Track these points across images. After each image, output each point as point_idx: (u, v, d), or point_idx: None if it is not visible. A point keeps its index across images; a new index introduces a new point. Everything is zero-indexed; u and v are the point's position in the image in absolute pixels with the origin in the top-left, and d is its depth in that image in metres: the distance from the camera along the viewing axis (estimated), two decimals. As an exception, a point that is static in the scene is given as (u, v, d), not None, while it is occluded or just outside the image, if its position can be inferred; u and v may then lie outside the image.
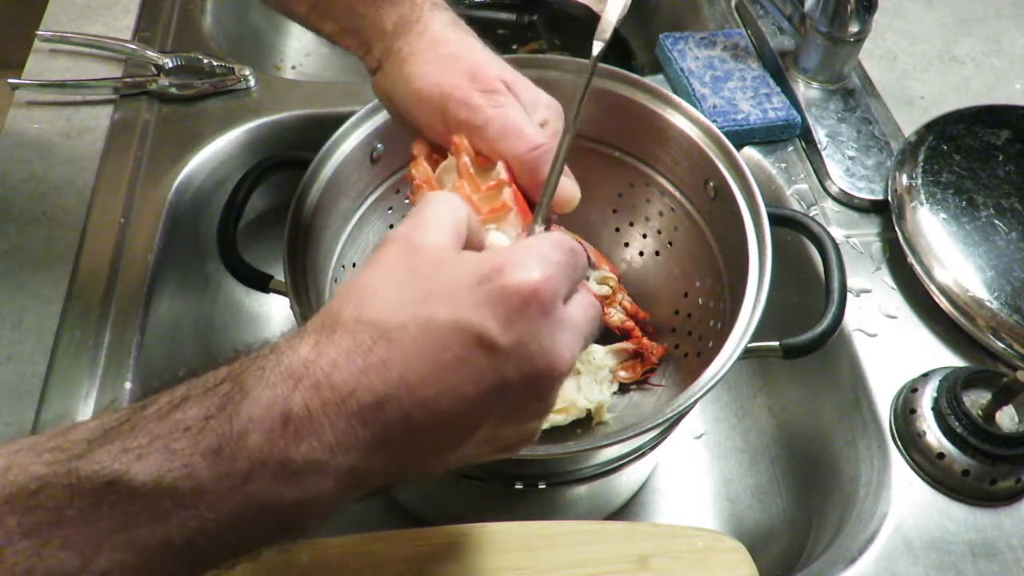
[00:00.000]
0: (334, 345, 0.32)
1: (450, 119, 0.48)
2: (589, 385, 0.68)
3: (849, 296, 0.64)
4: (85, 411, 0.62)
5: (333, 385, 0.31)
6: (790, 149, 0.84)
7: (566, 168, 0.48)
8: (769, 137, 0.84)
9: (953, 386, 0.62)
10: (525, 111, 0.49)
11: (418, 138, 0.52)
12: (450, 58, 0.49)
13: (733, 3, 0.99)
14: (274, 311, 0.88)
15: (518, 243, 0.38)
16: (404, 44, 0.50)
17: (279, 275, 0.58)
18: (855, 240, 0.77)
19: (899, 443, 0.64)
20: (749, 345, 0.55)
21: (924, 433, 0.62)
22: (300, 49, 1.12)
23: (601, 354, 0.71)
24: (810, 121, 0.83)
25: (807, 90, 0.86)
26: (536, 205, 0.46)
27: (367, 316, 0.33)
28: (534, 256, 0.35)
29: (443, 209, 0.37)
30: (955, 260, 0.70)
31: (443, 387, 0.32)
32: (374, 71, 0.53)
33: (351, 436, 0.32)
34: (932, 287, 0.70)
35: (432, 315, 0.32)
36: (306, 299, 0.56)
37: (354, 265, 0.69)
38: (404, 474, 0.35)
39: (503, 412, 0.35)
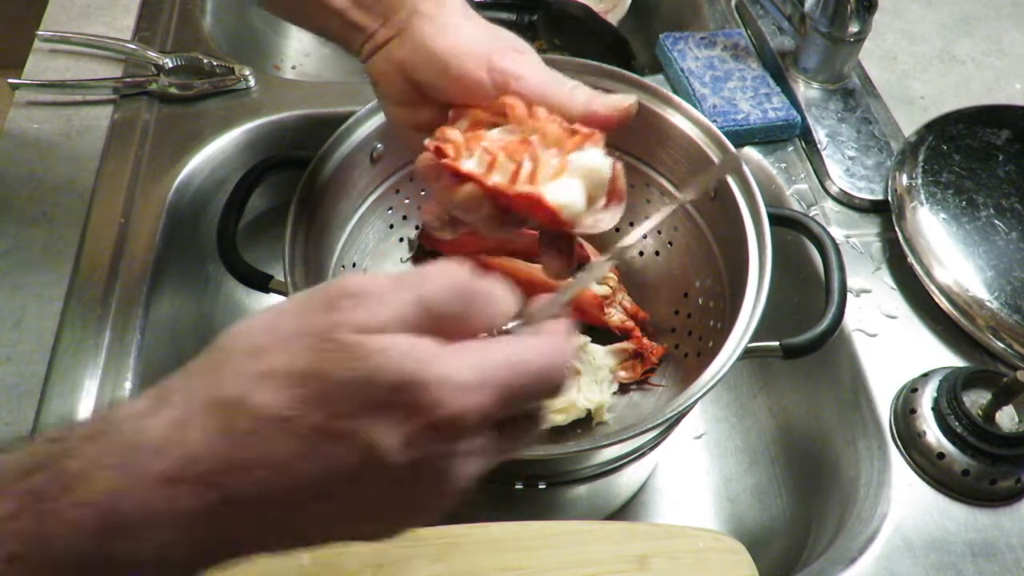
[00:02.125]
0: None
1: (497, 65, 0.47)
2: (589, 385, 0.68)
3: (849, 296, 0.64)
4: (85, 411, 0.62)
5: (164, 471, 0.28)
6: (790, 149, 0.84)
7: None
8: (769, 137, 0.84)
9: (953, 386, 0.62)
10: None
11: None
12: (483, 23, 0.50)
13: (733, 3, 0.99)
14: (274, 311, 0.88)
15: (461, 352, 0.31)
16: (431, 5, 0.50)
17: (279, 275, 0.58)
18: (855, 240, 0.77)
19: (899, 443, 0.64)
20: (749, 345, 0.55)
21: (924, 433, 0.62)
22: (300, 49, 1.12)
23: (601, 354, 0.71)
24: (810, 121, 0.83)
25: (807, 90, 0.86)
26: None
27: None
28: (468, 378, 0.30)
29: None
30: (955, 260, 0.70)
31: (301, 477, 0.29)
32: (386, 42, 0.51)
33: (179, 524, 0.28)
34: (932, 287, 0.70)
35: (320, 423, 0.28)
36: (306, 299, 0.56)
37: (354, 265, 0.69)
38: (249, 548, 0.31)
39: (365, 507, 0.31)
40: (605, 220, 0.46)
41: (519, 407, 0.32)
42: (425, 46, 0.49)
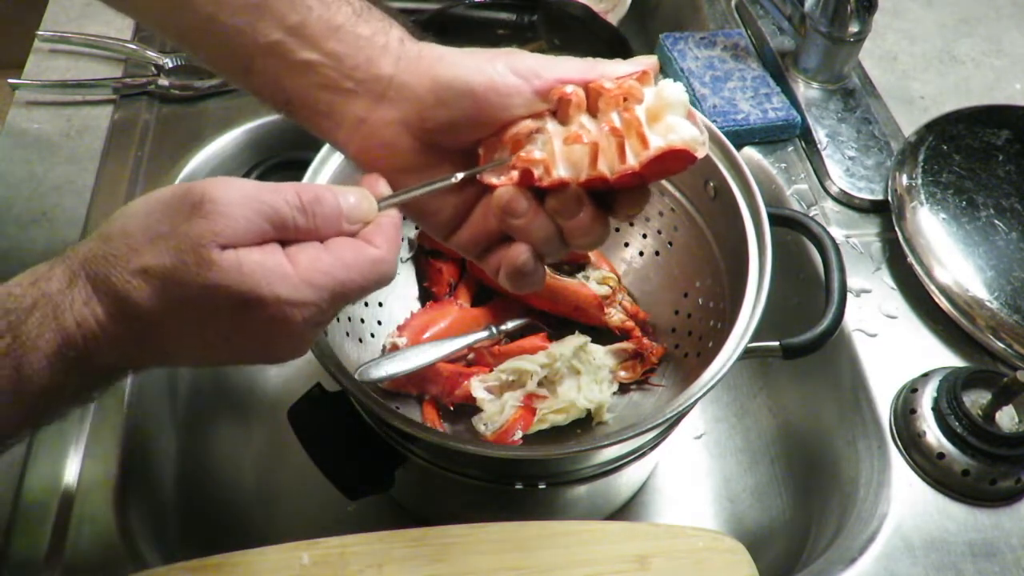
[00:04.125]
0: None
1: (519, 66, 0.44)
2: (589, 385, 0.68)
3: (849, 296, 0.64)
4: (84, 410, 0.62)
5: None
6: (790, 149, 0.84)
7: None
8: (769, 137, 0.84)
9: (953, 386, 0.62)
10: None
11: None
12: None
13: (733, 3, 0.99)
14: (274, 311, 0.88)
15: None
16: (417, 48, 0.46)
17: (279, 275, 0.58)
18: (855, 240, 0.77)
19: (899, 443, 0.64)
20: (749, 345, 0.55)
21: (924, 433, 0.62)
22: (300, 49, 1.12)
23: (601, 354, 0.71)
24: (810, 121, 0.83)
25: (807, 90, 0.86)
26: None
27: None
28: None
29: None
30: (955, 260, 0.70)
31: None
32: (371, 108, 0.46)
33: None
34: (932, 287, 0.70)
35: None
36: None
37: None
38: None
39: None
40: (705, 135, 0.44)
41: (348, 301, 0.41)
42: (447, 81, 0.44)
